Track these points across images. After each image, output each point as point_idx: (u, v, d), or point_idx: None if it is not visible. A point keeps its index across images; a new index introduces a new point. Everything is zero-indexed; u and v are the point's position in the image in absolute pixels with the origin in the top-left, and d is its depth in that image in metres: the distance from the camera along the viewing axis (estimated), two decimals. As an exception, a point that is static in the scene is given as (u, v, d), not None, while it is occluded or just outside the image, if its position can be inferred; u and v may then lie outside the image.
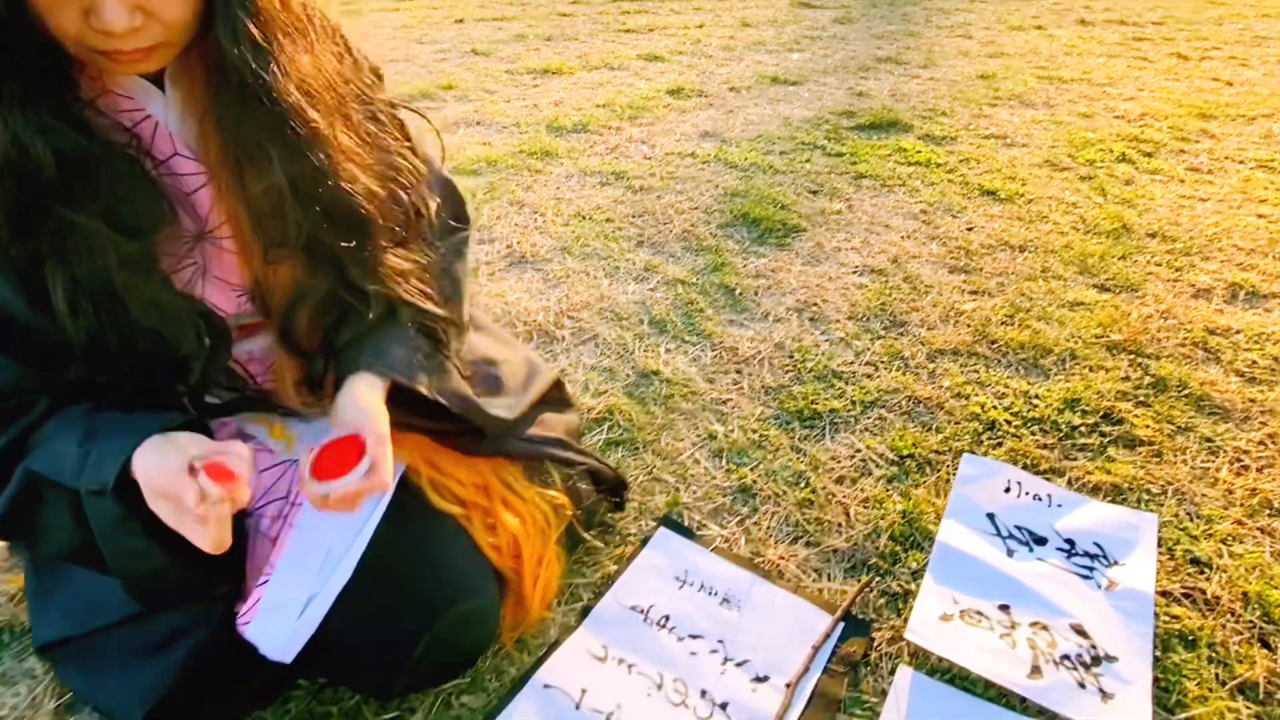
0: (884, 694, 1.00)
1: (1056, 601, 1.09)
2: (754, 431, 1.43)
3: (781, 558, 1.19)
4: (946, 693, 0.99)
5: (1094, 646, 1.04)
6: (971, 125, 2.92)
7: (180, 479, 0.66)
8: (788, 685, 1.00)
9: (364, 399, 0.77)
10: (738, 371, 1.60)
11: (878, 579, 1.15)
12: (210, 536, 0.66)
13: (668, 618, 1.09)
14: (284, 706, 0.97)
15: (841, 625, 1.08)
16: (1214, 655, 1.04)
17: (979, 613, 1.08)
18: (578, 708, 0.98)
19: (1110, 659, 1.02)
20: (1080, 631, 1.05)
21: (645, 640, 1.06)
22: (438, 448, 0.95)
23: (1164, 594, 1.12)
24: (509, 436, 1.00)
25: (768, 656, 1.04)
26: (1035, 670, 1.00)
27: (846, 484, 1.32)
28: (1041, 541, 1.19)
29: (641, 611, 1.10)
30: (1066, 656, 1.02)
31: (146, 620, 0.86)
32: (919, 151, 2.63)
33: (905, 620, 1.07)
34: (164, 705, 0.84)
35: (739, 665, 1.03)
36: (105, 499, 0.68)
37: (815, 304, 1.81)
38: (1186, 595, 1.12)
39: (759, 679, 1.01)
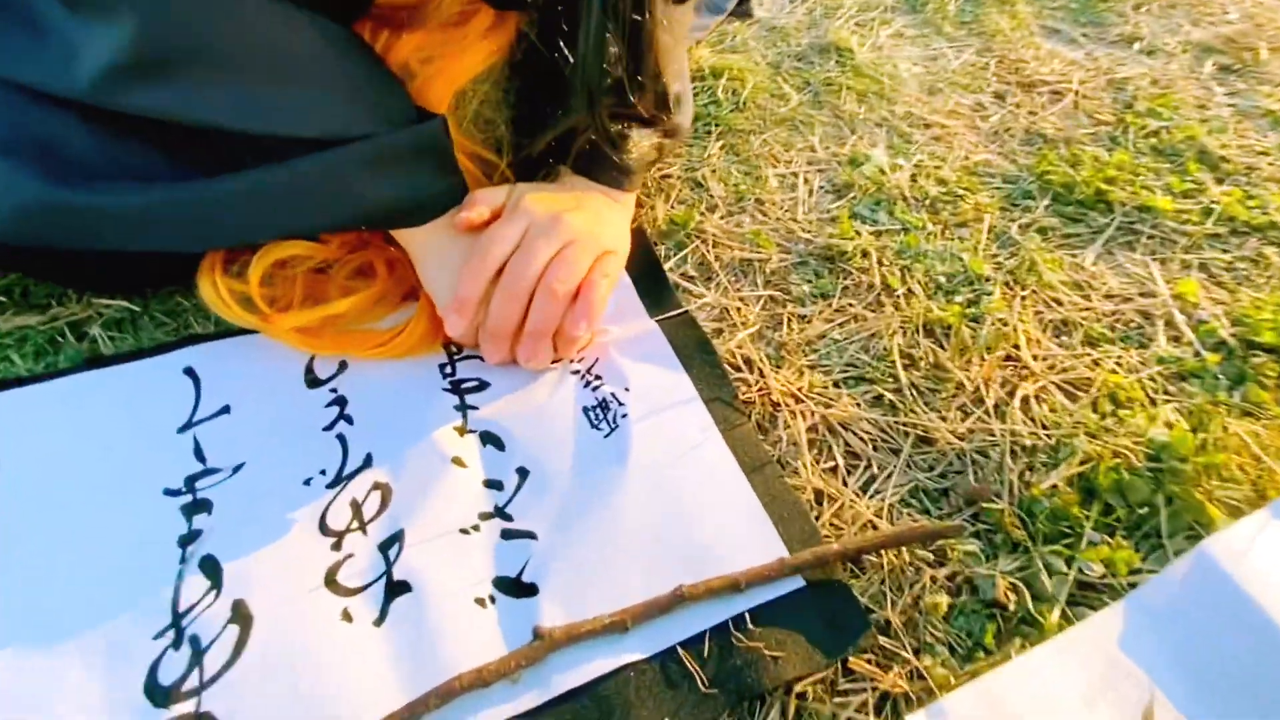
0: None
1: None
2: (943, 184, 0.69)
3: (799, 389, 0.52)
4: None
5: None
6: None
7: None
8: (538, 641, 0.39)
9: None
10: (996, 96, 0.81)
11: (986, 542, 0.44)
12: None
13: (482, 381, 0.51)
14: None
15: (800, 584, 0.41)
16: None
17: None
18: (182, 428, 0.47)
19: None
20: None
21: (408, 401, 0.50)
22: None
23: None
24: None
25: (580, 577, 0.42)
26: None
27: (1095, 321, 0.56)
28: None
29: (444, 365, 0.53)
30: None
31: None
32: None
33: (977, 673, 0.37)
34: None
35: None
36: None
37: (1251, 49, 0.88)
38: None
39: (482, 601, 0.41)
